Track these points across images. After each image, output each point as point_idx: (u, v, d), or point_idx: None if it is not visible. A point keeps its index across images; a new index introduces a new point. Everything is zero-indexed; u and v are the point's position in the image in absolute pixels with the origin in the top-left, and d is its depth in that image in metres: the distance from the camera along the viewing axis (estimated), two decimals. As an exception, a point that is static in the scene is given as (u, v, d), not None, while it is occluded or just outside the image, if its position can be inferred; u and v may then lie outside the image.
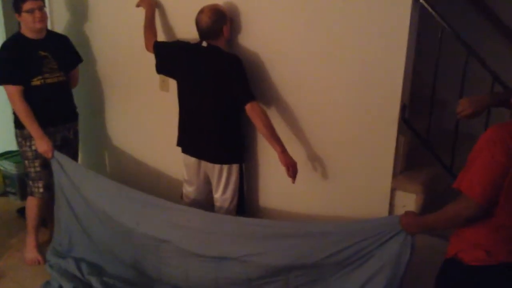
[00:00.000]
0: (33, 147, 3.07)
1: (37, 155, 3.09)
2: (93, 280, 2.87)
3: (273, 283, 2.51)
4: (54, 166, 3.05)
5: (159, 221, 2.77)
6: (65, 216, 3.13)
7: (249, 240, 2.54)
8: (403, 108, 2.44)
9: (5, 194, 4.14)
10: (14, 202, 4.04)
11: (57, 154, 3.03)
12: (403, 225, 2.11)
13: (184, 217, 2.72)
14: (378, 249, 2.20)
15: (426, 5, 2.32)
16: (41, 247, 3.29)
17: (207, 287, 2.69)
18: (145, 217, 2.80)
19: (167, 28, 3.10)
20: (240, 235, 2.57)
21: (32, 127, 3.00)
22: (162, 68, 2.93)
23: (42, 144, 3.01)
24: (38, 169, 3.13)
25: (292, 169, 2.56)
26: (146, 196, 2.85)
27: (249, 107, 2.61)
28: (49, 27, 3.62)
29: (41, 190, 3.17)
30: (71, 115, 3.36)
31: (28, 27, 3.02)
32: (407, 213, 2.16)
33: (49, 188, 3.17)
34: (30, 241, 3.27)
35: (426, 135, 2.58)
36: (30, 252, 3.26)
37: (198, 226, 2.68)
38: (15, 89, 2.97)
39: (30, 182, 3.19)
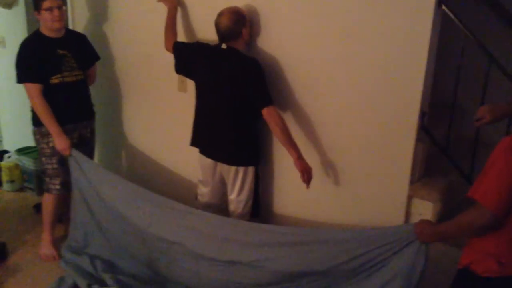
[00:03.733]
0: (51, 144, 3.10)
1: (54, 152, 3.11)
2: (107, 277, 2.88)
3: (285, 289, 2.51)
4: (72, 164, 3.08)
5: (170, 223, 2.78)
6: (81, 213, 3.15)
7: (261, 245, 2.52)
8: (422, 115, 2.41)
9: (22, 189, 4.20)
10: (31, 197, 4.09)
11: (75, 152, 3.06)
12: (417, 233, 2.08)
13: (196, 221, 2.72)
14: (391, 257, 2.17)
15: (448, 11, 2.29)
16: (57, 243, 3.32)
17: (218, 291, 2.69)
18: (157, 219, 2.81)
19: (188, 29, 3.10)
20: (252, 241, 2.56)
21: (51, 125, 3.02)
22: (181, 68, 2.93)
23: (60, 142, 3.03)
24: (55, 166, 3.16)
25: (307, 175, 2.55)
26: (159, 197, 2.85)
27: (266, 112, 2.60)
28: (70, 26, 3.66)
29: (57, 187, 3.20)
30: (88, 113, 3.38)
31: (47, 25, 3.04)
32: (421, 221, 2.13)
33: (66, 185, 3.20)
34: (46, 237, 3.31)
35: (445, 142, 2.54)
36: (46, 248, 3.30)
37: (210, 230, 2.68)
38: (35, 88, 2.99)
39: (47, 179, 3.21)
